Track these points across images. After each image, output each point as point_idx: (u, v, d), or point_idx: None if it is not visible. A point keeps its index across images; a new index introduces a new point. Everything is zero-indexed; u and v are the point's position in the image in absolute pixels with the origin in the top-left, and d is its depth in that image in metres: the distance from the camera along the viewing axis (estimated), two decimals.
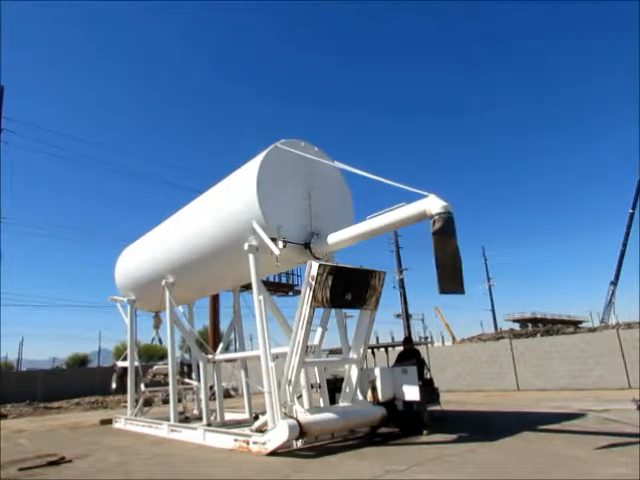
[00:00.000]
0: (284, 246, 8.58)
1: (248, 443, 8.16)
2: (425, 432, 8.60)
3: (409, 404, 8.77)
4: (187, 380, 15.12)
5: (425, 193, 7.55)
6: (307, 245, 9.16)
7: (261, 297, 8.90)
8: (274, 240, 8.56)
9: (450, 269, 7.10)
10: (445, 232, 7.10)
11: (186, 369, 16.78)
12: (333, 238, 8.88)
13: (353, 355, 9.30)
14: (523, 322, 53.17)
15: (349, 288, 8.74)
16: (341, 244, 8.94)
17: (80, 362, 56.25)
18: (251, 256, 8.99)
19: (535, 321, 53.44)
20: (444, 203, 7.26)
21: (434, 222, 7.17)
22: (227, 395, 22.76)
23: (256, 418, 10.50)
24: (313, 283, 8.16)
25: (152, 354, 46.64)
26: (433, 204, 7.34)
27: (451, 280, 7.11)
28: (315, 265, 8.21)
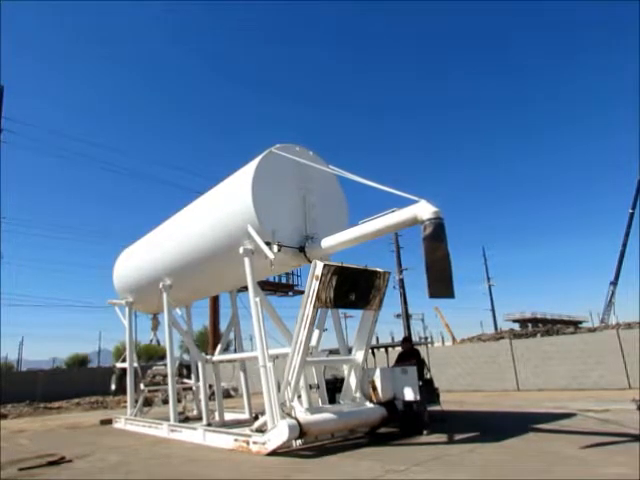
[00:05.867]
0: (279, 250, 8.65)
1: (248, 443, 8.17)
2: (425, 432, 8.60)
3: (409, 404, 8.78)
4: (185, 380, 15.14)
5: (416, 198, 7.62)
6: (302, 249, 9.21)
7: (257, 299, 8.92)
8: (269, 244, 8.62)
9: (440, 273, 7.17)
10: (435, 237, 7.16)
11: (185, 371, 16.77)
12: (327, 242, 8.93)
13: (355, 355, 9.31)
14: (523, 322, 53.14)
15: (353, 288, 8.75)
16: (335, 248, 8.99)
17: (80, 362, 56.13)
18: (247, 259, 9.04)
19: (535, 321, 53.42)
20: (435, 209, 7.31)
21: (425, 227, 7.24)
22: (227, 395, 22.78)
23: (256, 418, 10.51)
24: (317, 283, 8.17)
25: (152, 354, 46.60)
26: (424, 209, 7.39)
27: (441, 284, 7.19)
28: (320, 265, 8.22)
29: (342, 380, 9.90)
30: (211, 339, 24.73)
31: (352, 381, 9.21)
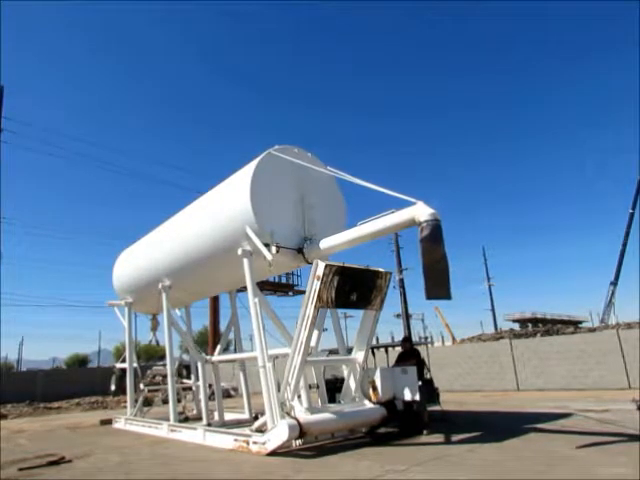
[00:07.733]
0: (277, 251, 8.65)
1: (248, 443, 8.16)
2: (425, 432, 8.60)
3: (409, 404, 8.77)
4: (185, 380, 15.15)
5: (414, 200, 7.62)
6: (300, 250, 9.22)
7: (256, 300, 8.92)
8: (267, 245, 8.62)
9: (437, 275, 7.16)
10: (432, 239, 7.15)
11: (184, 371, 16.77)
12: (325, 243, 8.94)
13: (356, 355, 9.30)
14: (523, 322, 53.10)
15: (355, 288, 8.75)
16: (333, 249, 9.00)
17: (80, 362, 56.20)
18: (245, 260, 9.05)
19: (535, 321, 53.38)
20: (432, 210, 7.31)
21: (422, 229, 7.22)
22: (227, 395, 22.77)
23: (256, 418, 10.51)
24: (318, 283, 8.17)
25: (152, 354, 46.61)
26: (421, 211, 7.39)
27: (438, 286, 7.18)
28: (321, 265, 8.22)
29: (342, 380, 9.89)
30: (211, 339, 24.70)
31: (352, 381, 9.21)
